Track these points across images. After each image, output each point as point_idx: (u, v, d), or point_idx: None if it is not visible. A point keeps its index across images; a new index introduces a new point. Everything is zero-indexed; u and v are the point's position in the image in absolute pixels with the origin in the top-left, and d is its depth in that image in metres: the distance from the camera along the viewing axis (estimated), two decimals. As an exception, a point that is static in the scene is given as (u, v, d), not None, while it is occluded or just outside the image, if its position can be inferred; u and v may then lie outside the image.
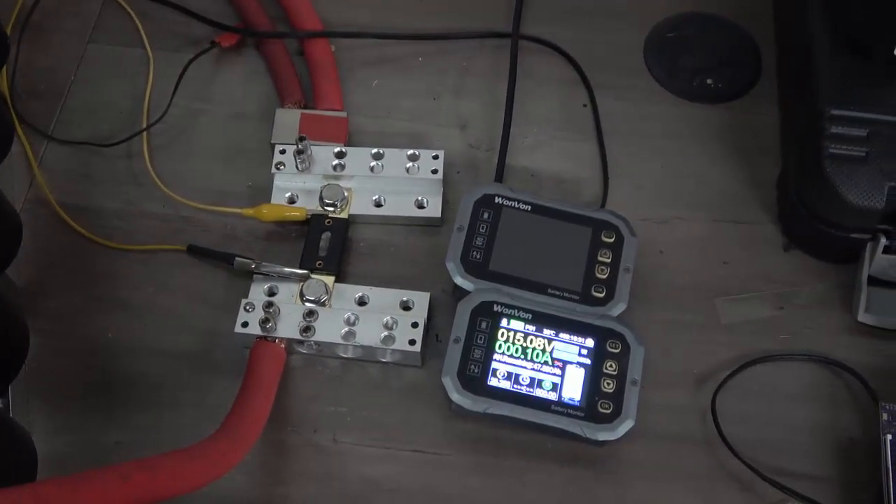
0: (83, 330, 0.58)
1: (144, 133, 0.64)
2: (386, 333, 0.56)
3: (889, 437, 0.52)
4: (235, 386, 0.54)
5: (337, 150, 0.62)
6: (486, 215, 0.58)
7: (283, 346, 0.56)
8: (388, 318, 0.56)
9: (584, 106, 0.67)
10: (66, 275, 0.60)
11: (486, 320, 0.55)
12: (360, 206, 0.61)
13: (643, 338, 0.55)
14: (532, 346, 0.54)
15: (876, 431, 0.53)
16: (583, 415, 0.53)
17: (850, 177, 0.56)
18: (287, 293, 0.58)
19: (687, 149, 0.65)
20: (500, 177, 0.63)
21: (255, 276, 0.59)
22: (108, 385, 0.56)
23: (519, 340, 0.55)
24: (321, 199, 0.61)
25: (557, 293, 0.56)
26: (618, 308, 0.56)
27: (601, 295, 0.56)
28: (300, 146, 0.60)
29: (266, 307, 0.56)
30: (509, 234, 0.58)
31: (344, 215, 0.61)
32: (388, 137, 0.65)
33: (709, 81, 0.67)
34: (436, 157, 0.62)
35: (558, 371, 0.54)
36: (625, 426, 0.52)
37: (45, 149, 0.65)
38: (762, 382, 0.57)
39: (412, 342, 0.56)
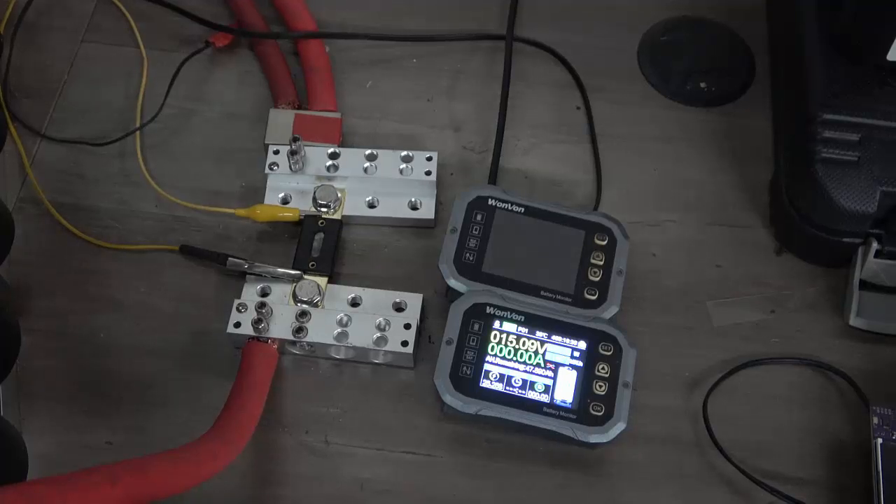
0: (75, 329, 0.58)
1: (138, 132, 0.64)
2: (378, 335, 0.56)
3: (879, 440, 0.52)
4: (227, 386, 0.54)
5: (330, 150, 0.62)
6: (479, 217, 0.58)
7: (275, 346, 0.56)
8: (381, 319, 0.56)
9: (578, 108, 0.67)
10: (58, 274, 0.60)
11: (478, 322, 0.55)
12: (353, 207, 0.61)
13: (635, 340, 0.55)
14: (524, 348, 0.54)
15: (866, 435, 0.53)
16: (574, 417, 0.53)
17: (842, 181, 0.56)
18: (280, 294, 0.58)
19: (680, 152, 0.65)
20: (493, 179, 0.63)
21: (247, 276, 0.59)
22: (99, 385, 0.56)
23: (511, 342, 0.55)
24: (314, 199, 0.61)
25: (550, 295, 0.56)
26: (610, 310, 0.56)
27: (594, 297, 0.56)
28: (294, 147, 0.60)
29: (259, 308, 0.56)
30: (502, 236, 0.58)
31: (337, 216, 0.61)
32: (381, 138, 0.65)
33: (702, 85, 0.68)
34: (429, 159, 0.62)
35: (550, 373, 0.54)
36: (616, 429, 0.53)
37: (37, 148, 0.64)
38: (753, 385, 0.57)
39: (405, 343, 0.56)
